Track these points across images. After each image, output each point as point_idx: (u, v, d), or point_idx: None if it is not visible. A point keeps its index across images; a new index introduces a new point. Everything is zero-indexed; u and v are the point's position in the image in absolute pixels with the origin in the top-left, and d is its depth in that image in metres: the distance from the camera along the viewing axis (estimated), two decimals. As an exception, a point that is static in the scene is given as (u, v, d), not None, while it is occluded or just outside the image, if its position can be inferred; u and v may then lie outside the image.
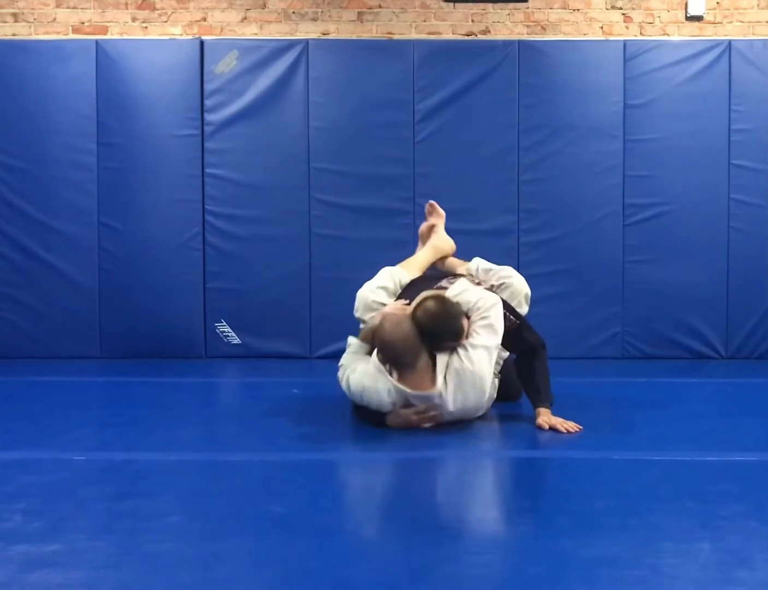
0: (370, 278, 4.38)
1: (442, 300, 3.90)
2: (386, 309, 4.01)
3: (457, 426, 3.92)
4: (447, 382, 3.84)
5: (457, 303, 3.92)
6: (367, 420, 3.99)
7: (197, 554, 2.52)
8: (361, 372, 3.95)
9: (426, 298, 3.92)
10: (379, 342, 3.87)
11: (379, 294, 4.25)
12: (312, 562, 2.45)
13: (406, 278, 4.36)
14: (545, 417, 3.97)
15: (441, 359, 3.86)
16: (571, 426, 3.92)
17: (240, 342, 6.16)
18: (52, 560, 2.45)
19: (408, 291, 4.24)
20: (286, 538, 2.63)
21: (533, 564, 2.42)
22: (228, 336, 6.16)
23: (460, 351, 3.86)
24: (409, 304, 4.00)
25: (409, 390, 3.83)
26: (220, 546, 2.56)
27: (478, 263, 4.59)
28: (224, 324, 6.16)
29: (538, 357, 4.11)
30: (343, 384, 4.04)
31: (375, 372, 3.89)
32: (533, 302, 6.04)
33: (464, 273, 4.50)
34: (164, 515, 2.83)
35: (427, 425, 3.89)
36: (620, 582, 2.31)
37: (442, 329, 3.81)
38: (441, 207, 4.75)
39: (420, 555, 2.53)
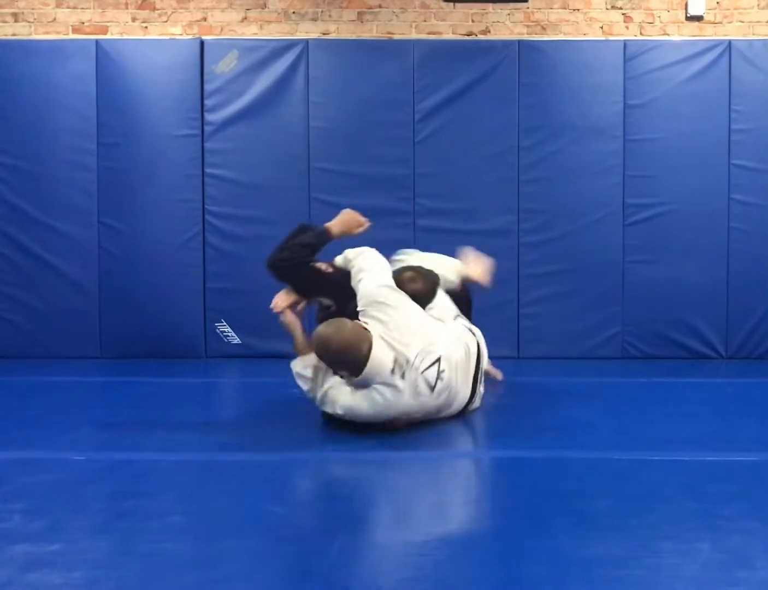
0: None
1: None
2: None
3: (456, 425, 3.91)
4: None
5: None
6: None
7: (197, 554, 2.52)
8: (345, 394, 3.86)
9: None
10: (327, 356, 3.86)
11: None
12: (312, 562, 2.45)
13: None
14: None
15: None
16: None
17: (240, 342, 6.15)
18: (52, 560, 2.45)
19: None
20: (286, 538, 2.63)
21: (533, 564, 2.42)
22: (228, 336, 6.16)
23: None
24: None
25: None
26: (220, 546, 2.56)
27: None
28: (224, 324, 6.15)
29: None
30: (329, 408, 3.94)
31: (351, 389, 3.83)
32: (534, 302, 6.10)
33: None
34: (164, 515, 2.83)
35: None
36: (620, 582, 2.31)
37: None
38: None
39: (419, 555, 2.53)
